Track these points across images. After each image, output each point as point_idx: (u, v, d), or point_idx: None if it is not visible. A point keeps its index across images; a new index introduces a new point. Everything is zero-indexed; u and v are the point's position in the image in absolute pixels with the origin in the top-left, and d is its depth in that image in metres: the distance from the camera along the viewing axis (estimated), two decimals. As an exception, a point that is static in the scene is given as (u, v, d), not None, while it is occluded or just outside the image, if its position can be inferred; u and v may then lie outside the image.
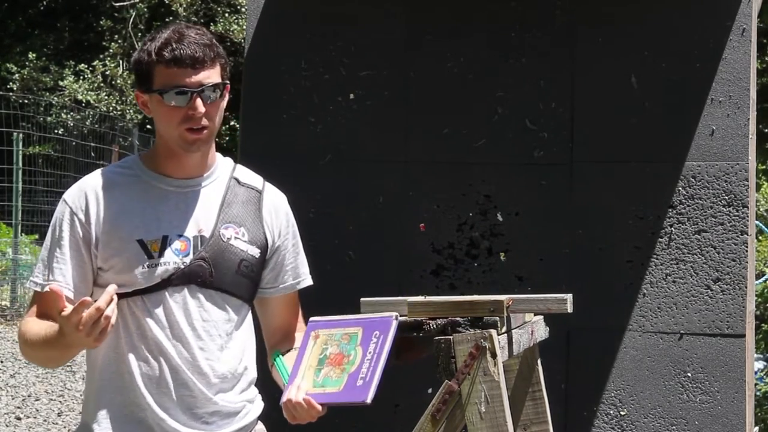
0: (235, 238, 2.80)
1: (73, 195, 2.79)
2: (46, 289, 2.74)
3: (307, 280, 2.98)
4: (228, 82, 2.83)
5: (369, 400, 2.70)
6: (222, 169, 2.89)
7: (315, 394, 2.73)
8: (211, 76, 2.76)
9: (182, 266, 2.75)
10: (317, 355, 2.76)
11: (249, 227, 2.84)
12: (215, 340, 2.78)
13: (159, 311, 2.74)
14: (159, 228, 2.76)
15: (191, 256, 2.76)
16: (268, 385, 3.04)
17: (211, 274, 2.77)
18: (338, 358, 2.72)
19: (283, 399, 2.74)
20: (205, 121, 2.75)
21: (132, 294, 2.74)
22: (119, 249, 2.74)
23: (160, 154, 2.83)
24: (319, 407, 2.73)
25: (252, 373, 2.88)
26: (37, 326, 2.72)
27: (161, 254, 2.74)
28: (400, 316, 3.01)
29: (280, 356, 2.91)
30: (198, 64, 2.74)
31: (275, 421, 2.94)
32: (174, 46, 2.73)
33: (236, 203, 2.84)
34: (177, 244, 2.75)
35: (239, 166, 2.93)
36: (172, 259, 2.75)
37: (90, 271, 2.76)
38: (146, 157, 2.86)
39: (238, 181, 2.88)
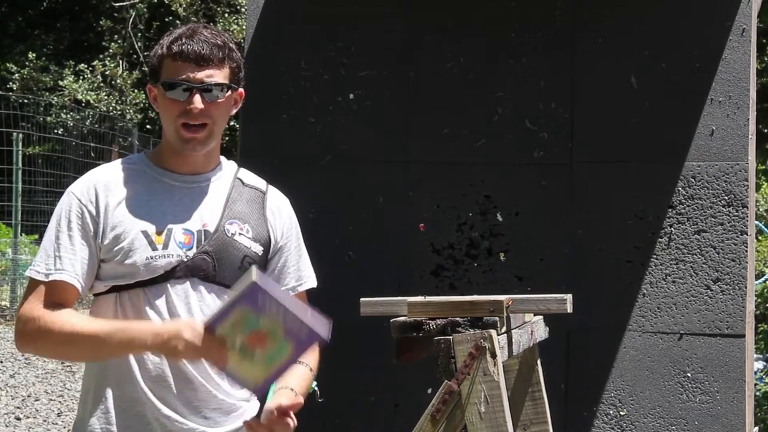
0: (239, 234, 2.81)
1: (81, 187, 2.79)
2: (51, 278, 2.72)
3: (309, 283, 2.98)
4: (237, 86, 2.83)
5: (327, 336, 2.62)
6: (226, 169, 2.91)
7: (277, 371, 2.60)
8: (216, 75, 2.77)
9: (185, 259, 2.75)
10: (236, 352, 2.60)
11: (253, 224, 2.85)
12: None
13: (160, 302, 2.74)
14: (163, 220, 2.77)
15: (195, 249, 2.77)
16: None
17: (214, 268, 2.78)
18: (257, 338, 2.57)
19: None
20: (203, 119, 2.75)
21: (134, 286, 2.74)
22: (123, 240, 2.74)
23: (165, 149, 2.84)
24: (292, 421, 2.67)
25: None
26: (87, 321, 2.68)
27: (165, 246, 2.75)
28: (400, 316, 3.01)
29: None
30: (203, 61, 2.75)
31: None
32: (183, 41, 2.76)
33: (241, 201, 2.86)
34: (181, 237, 2.76)
35: (243, 169, 2.95)
36: (175, 252, 2.75)
37: (95, 263, 2.76)
38: (152, 154, 2.88)
39: (242, 182, 2.90)
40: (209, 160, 2.86)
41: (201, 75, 2.76)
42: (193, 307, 2.76)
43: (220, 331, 2.56)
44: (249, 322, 2.55)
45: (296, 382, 2.84)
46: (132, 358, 2.74)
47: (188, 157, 2.82)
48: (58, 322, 2.68)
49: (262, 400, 2.75)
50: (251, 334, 2.56)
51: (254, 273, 2.55)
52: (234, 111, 2.90)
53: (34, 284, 2.76)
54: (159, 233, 2.75)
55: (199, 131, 2.76)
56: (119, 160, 2.88)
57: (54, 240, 2.76)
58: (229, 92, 2.82)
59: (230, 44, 2.83)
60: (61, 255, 2.74)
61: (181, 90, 2.75)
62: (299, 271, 2.95)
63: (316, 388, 2.94)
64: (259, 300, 2.53)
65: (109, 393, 2.76)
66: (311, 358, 2.93)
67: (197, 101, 2.75)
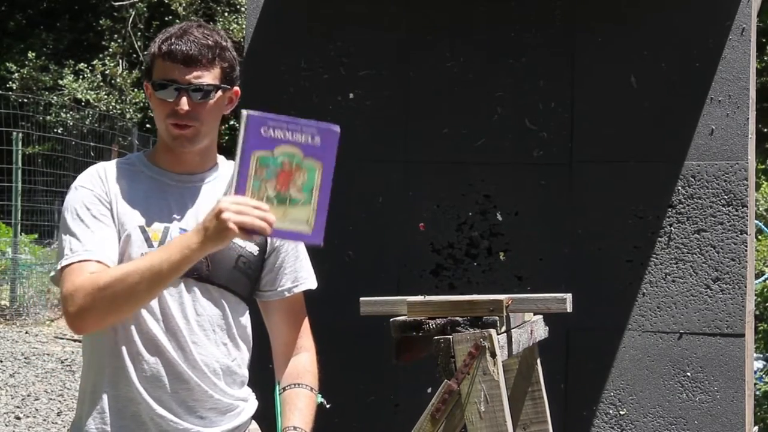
0: None
1: (88, 178, 2.79)
2: (79, 258, 2.67)
3: (306, 284, 2.96)
4: (228, 86, 2.82)
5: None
6: (224, 169, 2.89)
7: (321, 198, 2.56)
8: (204, 76, 2.76)
9: None
10: (275, 204, 2.54)
11: None
12: (209, 335, 2.77)
13: (154, 304, 2.73)
14: (160, 218, 2.76)
15: None
16: (261, 385, 3.05)
17: (208, 268, 2.77)
18: (284, 176, 2.53)
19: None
20: (188, 120, 2.75)
21: None
22: (122, 234, 2.73)
23: (160, 148, 2.84)
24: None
25: (245, 373, 2.88)
26: (126, 264, 2.65)
27: (162, 244, 2.74)
28: (400, 315, 3.01)
29: (279, 394, 2.90)
30: (191, 62, 2.74)
31: (270, 420, 2.95)
32: (173, 41, 2.75)
33: None
34: (177, 235, 2.74)
35: None
36: None
37: (118, 248, 2.74)
38: (149, 153, 2.88)
39: None
40: (205, 159, 2.85)
41: (189, 76, 2.75)
42: (187, 308, 2.76)
43: (249, 190, 2.53)
44: (268, 164, 2.53)
45: (301, 418, 2.84)
46: (127, 359, 2.73)
47: (183, 156, 2.82)
48: (102, 276, 2.63)
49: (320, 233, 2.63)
50: (278, 176, 2.53)
51: (244, 111, 2.53)
52: (229, 110, 2.89)
53: (67, 271, 2.71)
54: (156, 230, 2.75)
55: (185, 128, 2.76)
56: (117, 159, 2.88)
57: (73, 227, 2.71)
58: (220, 92, 2.81)
59: (223, 43, 2.81)
60: (86, 238, 2.70)
61: (169, 90, 2.75)
62: (296, 272, 2.94)
63: (322, 400, 2.93)
64: (261, 132, 2.52)
65: (105, 393, 2.75)
66: (311, 377, 2.93)
67: (183, 103, 2.74)
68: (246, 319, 2.87)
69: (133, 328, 2.73)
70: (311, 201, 2.57)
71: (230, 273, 2.77)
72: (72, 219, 2.74)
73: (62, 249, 2.74)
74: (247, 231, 2.54)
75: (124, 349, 2.73)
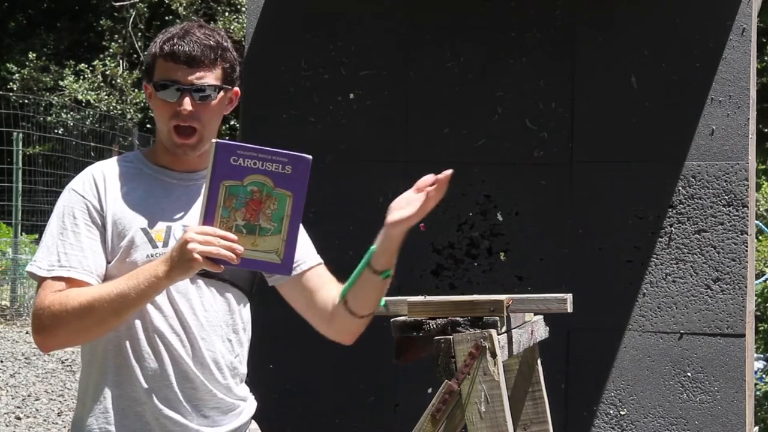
0: None
1: (82, 183, 2.78)
2: (55, 274, 2.69)
3: (309, 262, 2.97)
4: (230, 87, 2.82)
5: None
6: None
7: (290, 228, 2.57)
8: (207, 77, 2.76)
9: None
10: (244, 233, 2.56)
11: None
12: (216, 330, 2.77)
13: (161, 300, 2.72)
14: (162, 218, 2.76)
15: None
16: (260, 385, 3.04)
17: None
18: (254, 205, 2.54)
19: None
20: (192, 122, 2.74)
21: None
22: (123, 238, 2.73)
23: (160, 147, 2.84)
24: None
25: (245, 370, 2.88)
26: (98, 287, 2.66)
27: (165, 244, 2.74)
28: (400, 315, 3.01)
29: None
30: (194, 63, 2.74)
31: (269, 421, 2.94)
32: (175, 41, 2.75)
33: None
34: (180, 234, 2.74)
35: None
36: None
37: (106, 259, 2.74)
38: (147, 152, 2.87)
39: None
40: (204, 157, 2.85)
41: (192, 77, 2.75)
42: (194, 303, 2.76)
43: (217, 220, 2.54)
44: (237, 193, 2.53)
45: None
46: (132, 358, 2.73)
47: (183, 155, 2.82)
48: (71, 298, 2.65)
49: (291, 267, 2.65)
50: (247, 205, 2.54)
51: (213, 140, 2.56)
52: (229, 110, 2.89)
53: (39, 281, 2.74)
54: (159, 231, 2.74)
55: (189, 137, 2.76)
56: (115, 158, 2.88)
57: (57, 236, 2.73)
58: (222, 93, 2.81)
59: (224, 43, 2.81)
60: (68, 252, 2.72)
61: (171, 91, 2.75)
62: (308, 251, 2.95)
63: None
64: (231, 161, 2.52)
65: (108, 393, 2.75)
66: None
67: (187, 103, 2.74)
68: (248, 314, 2.87)
69: (138, 324, 2.72)
70: (281, 231, 2.57)
71: (234, 268, 2.77)
72: (58, 226, 2.74)
73: (42, 252, 2.73)
74: (213, 261, 2.55)
75: (128, 346, 2.73)
